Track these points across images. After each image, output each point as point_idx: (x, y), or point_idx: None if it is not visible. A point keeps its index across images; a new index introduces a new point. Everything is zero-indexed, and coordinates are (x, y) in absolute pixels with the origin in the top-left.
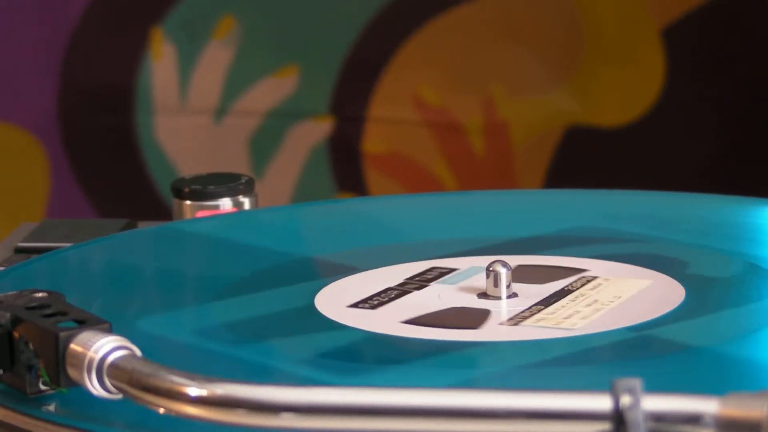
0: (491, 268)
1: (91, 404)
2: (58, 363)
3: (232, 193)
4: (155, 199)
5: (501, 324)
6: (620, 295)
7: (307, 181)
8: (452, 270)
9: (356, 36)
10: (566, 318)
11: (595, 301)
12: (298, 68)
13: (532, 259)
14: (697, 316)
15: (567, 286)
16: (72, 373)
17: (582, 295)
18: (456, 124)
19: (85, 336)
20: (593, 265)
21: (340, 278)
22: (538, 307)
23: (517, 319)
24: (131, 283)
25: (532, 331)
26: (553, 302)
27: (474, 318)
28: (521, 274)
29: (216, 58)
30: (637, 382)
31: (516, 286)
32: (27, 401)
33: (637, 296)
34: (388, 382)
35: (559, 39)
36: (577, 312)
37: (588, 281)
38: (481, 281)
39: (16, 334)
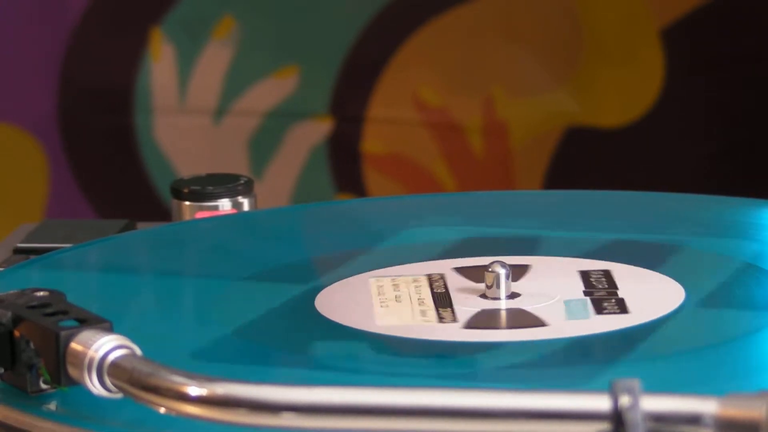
0: (491, 269)
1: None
2: (58, 362)
3: (231, 194)
4: (154, 200)
5: None
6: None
7: (307, 182)
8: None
9: (356, 36)
10: None
11: None
12: (298, 68)
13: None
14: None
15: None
16: (72, 371)
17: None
18: (456, 124)
19: (85, 335)
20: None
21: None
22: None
23: None
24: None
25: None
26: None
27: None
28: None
29: (216, 58)
30: (636, 383)
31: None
32: (28, 400)
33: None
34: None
35: (558, 39)
36: None
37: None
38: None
39: (17, 333)
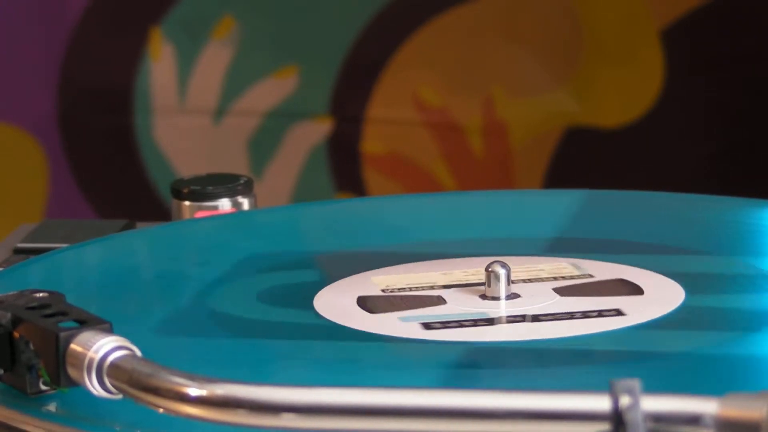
0: (490, 269)
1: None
2: (58, 363)
3: (231, 194)
4: (154, 200)
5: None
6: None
7: (307, 182)
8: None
9: (356, 36)
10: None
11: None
12: (298, 68)
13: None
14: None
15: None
16: (72, 372)
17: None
18: (455, 124)
19: (85, 336)
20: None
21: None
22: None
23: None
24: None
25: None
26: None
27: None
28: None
29: (216, 58)
30: (636, 383)
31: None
32: (27, 401)
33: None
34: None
35: (558, 39)
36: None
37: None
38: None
39: (16, 334)
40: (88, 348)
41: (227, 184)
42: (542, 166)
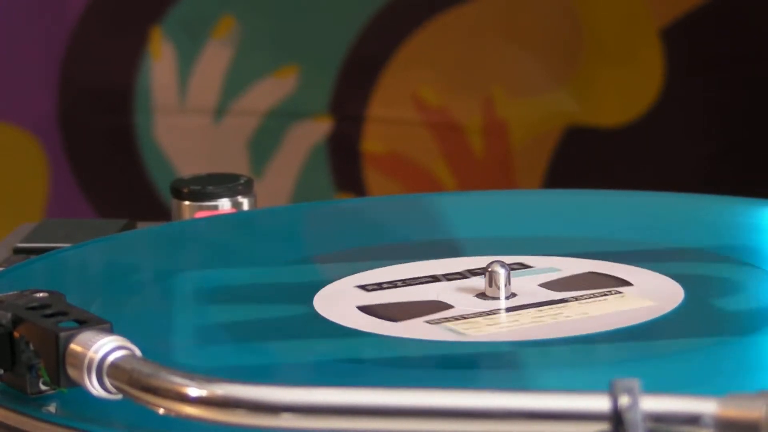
0: (490, 269)
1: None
2: (58, 363)
3: (231, 194)
4: (154, 200)
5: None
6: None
7: (307, 181)
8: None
9: (356, 36)
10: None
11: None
12: (298, 68)
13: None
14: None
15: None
16: (72, 373)
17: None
18: (456, 124)
19: (85, 336)
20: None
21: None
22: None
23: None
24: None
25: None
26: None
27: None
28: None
29: (215, 58)
30: (635, 383)
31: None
32: (27, 401)
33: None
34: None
35: (558, 39)
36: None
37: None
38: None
39: (16, 334)
40: (88, 348)
41: (227, 183)
42: (542, 166)
